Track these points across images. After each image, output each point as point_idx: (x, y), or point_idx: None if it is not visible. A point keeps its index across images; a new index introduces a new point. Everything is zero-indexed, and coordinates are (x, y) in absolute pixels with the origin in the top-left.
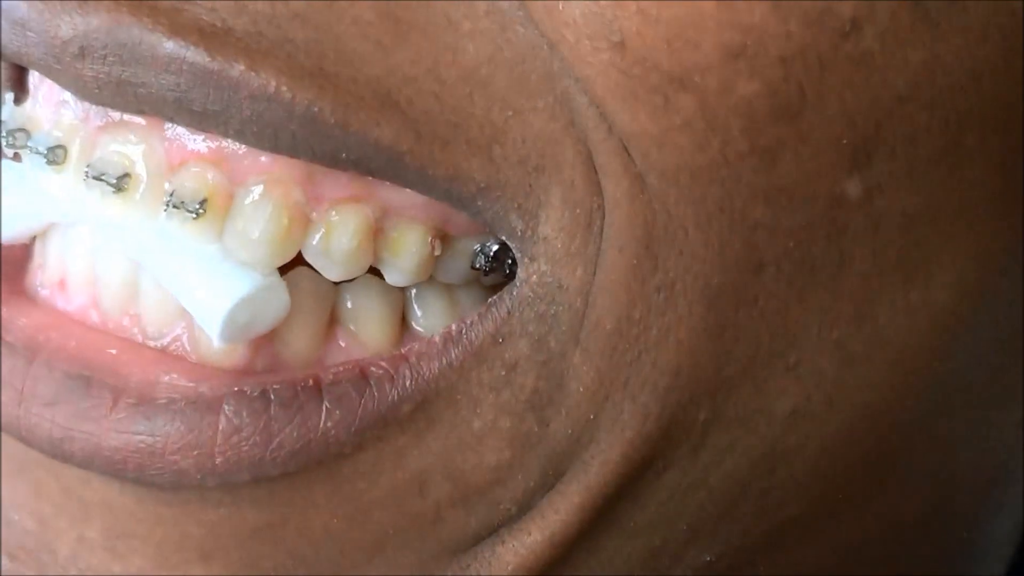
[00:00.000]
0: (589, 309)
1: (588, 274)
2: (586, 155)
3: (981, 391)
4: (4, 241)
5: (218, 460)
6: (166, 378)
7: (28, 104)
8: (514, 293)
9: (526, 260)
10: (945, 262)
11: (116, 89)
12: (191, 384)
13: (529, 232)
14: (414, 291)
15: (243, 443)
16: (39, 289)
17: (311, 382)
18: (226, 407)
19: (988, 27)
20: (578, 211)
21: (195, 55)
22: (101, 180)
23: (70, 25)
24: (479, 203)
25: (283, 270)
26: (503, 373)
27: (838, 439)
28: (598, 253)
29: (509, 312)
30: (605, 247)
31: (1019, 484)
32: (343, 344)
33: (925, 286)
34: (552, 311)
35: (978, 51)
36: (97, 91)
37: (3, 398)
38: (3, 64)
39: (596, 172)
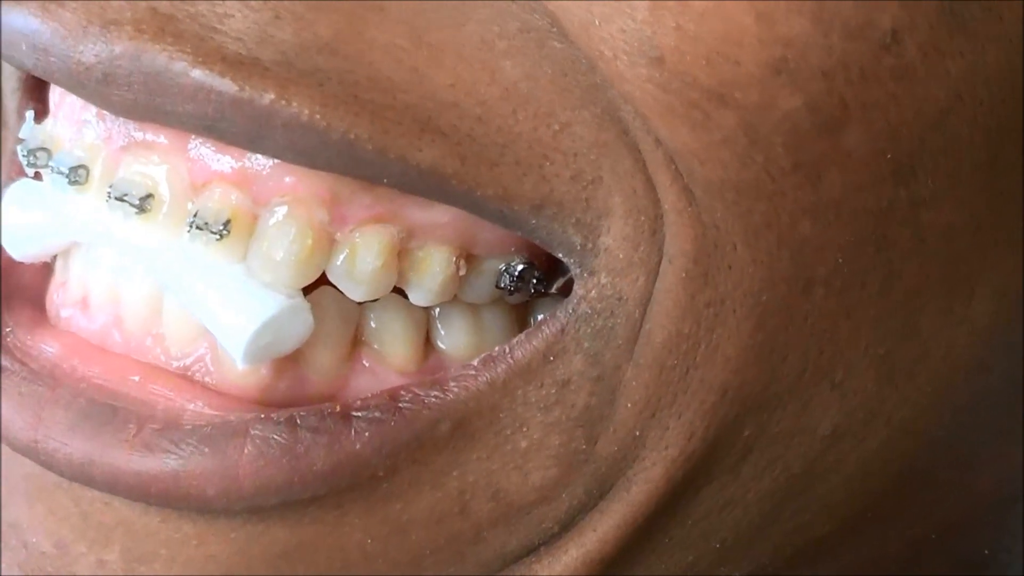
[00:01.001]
0: (645, 321)
1: (649, 284)
2: (642, 163)
3: (1008, 407)
4: (26, 259)
5: (245, 484)
6: (192, 406)
7: (49, 122)
8: (570, 310)
9: (585, 275)
10: (986, 275)
11: (145, 112)
12: (217, 413)
13: (589, 245)
14: (438, 310)
15: (271, 467)
16: (60, 309)
17: (338, 408)
18: (252, 431)
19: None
20: (642, 218)
21: (222, 85)
22: (124, 201)
23: (93, 52)
24: (532, 222)
25: (306, 290)
26: (553, 391)
27: (874, 458)
28: (659, 263)
29: (562, 329)
30: (664, 258)
31: None
32: (367, 364)
33: (968, 299)
34: (610, 325)
35: (1015, 60)
36: (126, 112)
37: (19, 422)
38: (24, 77)
39: (653, 181)
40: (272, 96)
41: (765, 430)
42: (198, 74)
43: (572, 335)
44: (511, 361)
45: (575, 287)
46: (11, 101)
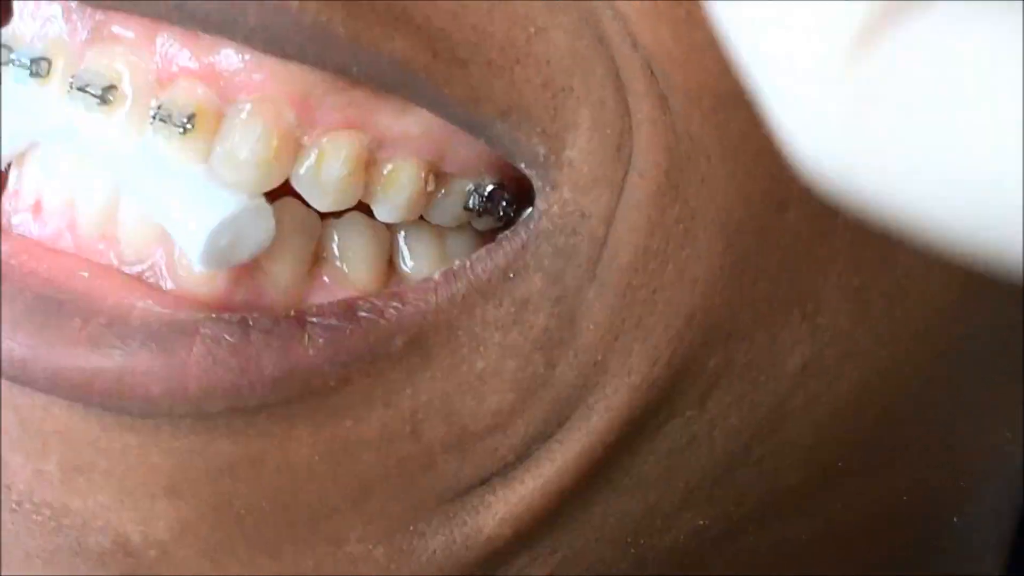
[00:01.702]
0: (609, 240)
1: (613, 200)
2: (614, 72)
3: (990, 368)
4: None
5: (191, 386)
6: (141, 304)
7: (13, 23)
8: (531, 226)
9: (547, 189)
10: None
11: None
12: (167, 311)
13: (553, 157)
14: (403, 233)
15: (219, 368)
16: (11, 216)
17: (293, 312)
18: (202, 330)
19: None
20: (608, 132)
21: None
22: (85, 92)
23: None
24: (498, 128)
25: (270, 199)
26: (512, 310)
27: (846, 402)
28: (624, 177)
29: (524, 246)
30: (631, 173)
31: (1017, 482)
32: (327, 280)
33: None
34: (572, 243)
35: None
36: None
37: None
38: None
39: (625, 92)
40: None
41: (732, 360)
42: None
43: (532, 252)
44: (471, 277)
45: (536, 201)
46: None
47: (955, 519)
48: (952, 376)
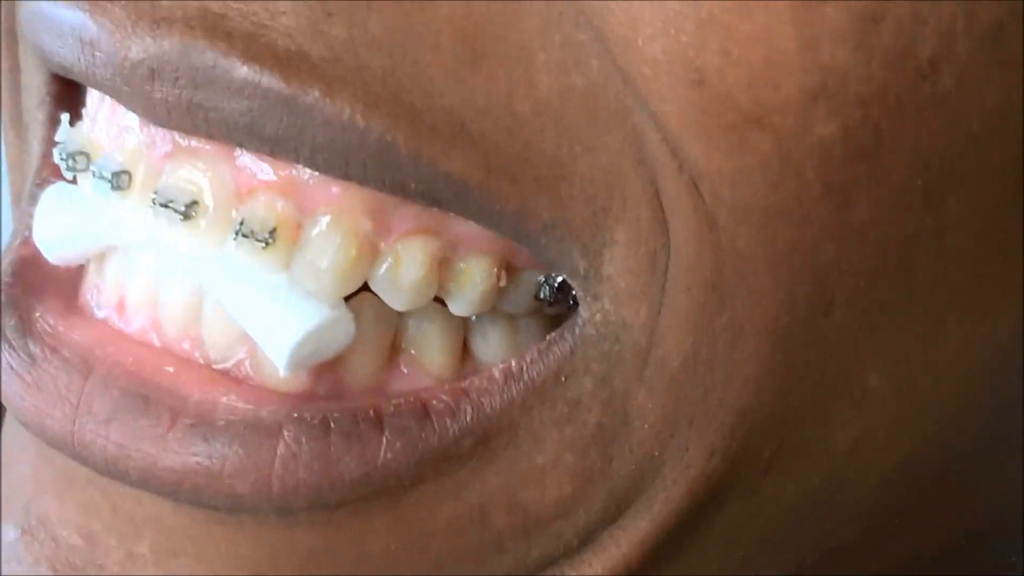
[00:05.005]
0: (654, 348)
1: (653, 313)
2: (653, 193)
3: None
4: (60, 263)
5: (275, 486)
6: (224, 399)
7: (86, 126)
8: (576, 332)
9: (589, 299)
10: (1011, 297)
11: (186, 113)
12: (250, 407)
13: (592, 271)
14: (475, 317)
15: (301, 470)
16: (95, 311)
17: (372, 412)
18: (285, 432)
19: None
20: (642, 250)
21: (270, 80)
22: (168, 207)
23: (141, 47)
24: (543, 240)
25: (347, 296)
26: (566, 410)
27: (897, 469)
28: (663, 293)
29: (572, 350)
30: (670, 287)
31: None
32: (405, 371)
33: (990, 320)
34: (616, 349)
35: None
36: (165, 114)
37: (56, 413)
38: (52, 87)
39: (663, 211)
40: (317, 94)
41: (786, 445)
42: (246, 70)
43: (581, 356)
44: (527, 380)
45: (580, 309)
46: (38, 113)
47: (1012, 557)
48: (1002, 435)
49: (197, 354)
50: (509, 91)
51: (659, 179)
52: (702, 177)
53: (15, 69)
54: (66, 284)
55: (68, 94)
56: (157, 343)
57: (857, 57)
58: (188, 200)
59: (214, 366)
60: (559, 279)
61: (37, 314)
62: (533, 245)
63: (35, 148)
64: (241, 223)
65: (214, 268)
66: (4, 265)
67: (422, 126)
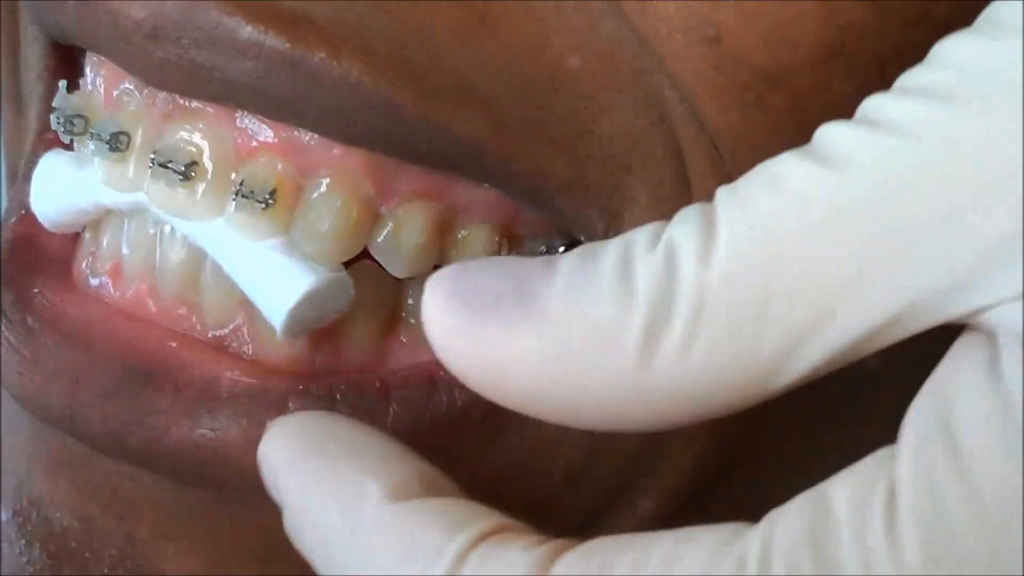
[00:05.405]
0: None
1: None
2: (676, 151)
3: None
4: (57, 229)
5: None
6: (229, 374)
7: (85, 90)
8: None
9: None
10: None
11: (188, 73)
12: (255, 381)
13: (612, 233)
14: None
15: None
16: (89, 278)
17: (378, 384)
18: (291, 405)
19: None
20: (666, 209)
21: (274, 41)
22: (167, 168)
23: (143, 6)
24: (559, 202)
25: (346, 264)
26: None
27: None
28: None
29: None
30: None
31: None
32: (404, 340)
33: None
34: None
35: None
36: (167, 75)
37: (56, 390)
38: (50, 55)
39: (687, 170)
40: (323, 55)
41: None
42: (250, 30)
43: None
44: None
45: None
46: (37, 87)
47: None
48: None
49: (194, 319)
50: (520, 53)
51: (680, 139)
52: (720, 136)
53: (14, 46)
54: (63, 263)
55: (67, 67)
56: (153, 310)
57: (874, 16)
58: (187, 160)
59: (211, 333)
60: (560, 248)
61: (35, 290)
62: (548, 206)
63: (33, 125)
64: (241, 184)
65: (212, 231)
66: (2, 242)
67: (430, 88)
